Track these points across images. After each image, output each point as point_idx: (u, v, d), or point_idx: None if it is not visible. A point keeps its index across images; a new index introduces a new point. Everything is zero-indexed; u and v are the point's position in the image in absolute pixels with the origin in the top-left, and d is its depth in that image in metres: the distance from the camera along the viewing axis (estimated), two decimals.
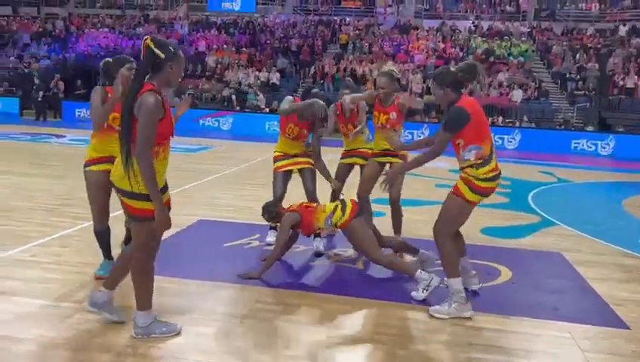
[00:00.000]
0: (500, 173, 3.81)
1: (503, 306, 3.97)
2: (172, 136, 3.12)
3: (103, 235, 4.09)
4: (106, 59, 4.10)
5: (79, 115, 19.42)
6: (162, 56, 2.93)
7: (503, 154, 15.08)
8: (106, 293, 3.34)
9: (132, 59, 3.95)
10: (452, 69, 3.85)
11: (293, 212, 4.42)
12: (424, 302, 3.93)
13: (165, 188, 3.16)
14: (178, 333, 3.24)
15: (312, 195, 5.10)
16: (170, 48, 2.97)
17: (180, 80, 3.14)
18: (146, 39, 2.99)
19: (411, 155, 5.07)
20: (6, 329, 3.21)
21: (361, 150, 5.38)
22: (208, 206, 6.75)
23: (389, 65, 5.53)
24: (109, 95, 3.85)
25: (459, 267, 3.87)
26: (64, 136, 14.08)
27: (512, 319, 3.76)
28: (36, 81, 20.39)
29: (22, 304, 3.58)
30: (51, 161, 9.88)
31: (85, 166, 3.97)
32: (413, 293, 4.03)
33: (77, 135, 14.02)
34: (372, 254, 4.29)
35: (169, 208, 3.14)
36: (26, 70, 22.57)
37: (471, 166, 3.72)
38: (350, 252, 5.01)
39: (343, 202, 4.42)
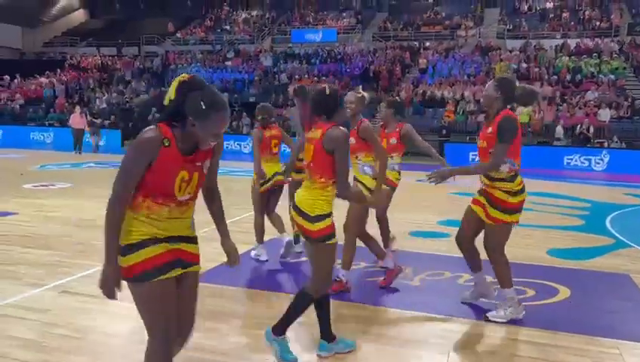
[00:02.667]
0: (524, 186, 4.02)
1: (553, 322, 4.05)
2: (174, 196, 2.27)
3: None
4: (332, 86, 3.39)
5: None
6: None
7: (590, 176, 14.68)
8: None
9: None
10: (518, 84, 4.11)
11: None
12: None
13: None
14: None
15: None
16: None
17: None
18: None
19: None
20: (104, 326, 3.82)
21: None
22: (286, 224, 7.22)
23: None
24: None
25: (511, 277, 4.07)
26: None
27: (559, 334, 3.84)
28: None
29: (120, 307, 4.15)
30: None
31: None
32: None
33: None
34: None
35: (175, 260, 2.38)
36: (127, 105, 24.82)
37: (503, 179, 3.91)
38: (408, 270, 5.25)
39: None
